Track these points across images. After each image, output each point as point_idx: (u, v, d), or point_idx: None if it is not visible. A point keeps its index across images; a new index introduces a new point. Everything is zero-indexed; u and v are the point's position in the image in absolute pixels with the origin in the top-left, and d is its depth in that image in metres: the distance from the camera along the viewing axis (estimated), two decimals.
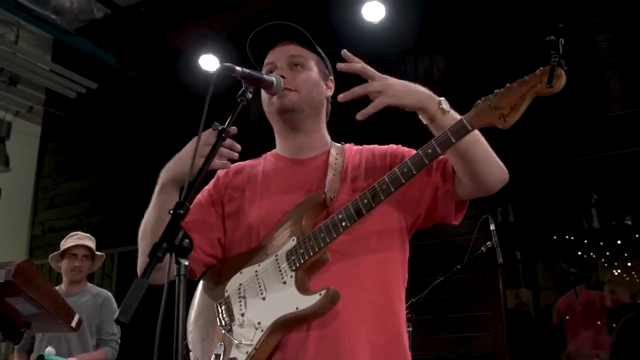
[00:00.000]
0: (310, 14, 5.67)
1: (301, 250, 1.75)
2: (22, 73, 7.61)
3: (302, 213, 1.83)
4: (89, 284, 4.79)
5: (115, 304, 4.65)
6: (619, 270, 10.87)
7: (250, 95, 1.69)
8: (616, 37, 5.21)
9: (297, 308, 1.70)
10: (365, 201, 1.71)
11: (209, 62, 6.33)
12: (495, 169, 1.82)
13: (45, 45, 7.99)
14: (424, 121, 1.79)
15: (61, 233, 4.72)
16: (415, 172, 1.67)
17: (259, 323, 1.73)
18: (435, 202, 1.88)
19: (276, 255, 1.81)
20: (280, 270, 1.78)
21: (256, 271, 1.83)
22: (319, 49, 2.09)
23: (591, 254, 10.55)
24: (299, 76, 1.98)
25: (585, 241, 10.33)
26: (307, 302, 1.69)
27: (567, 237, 10.30)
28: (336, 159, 1.97)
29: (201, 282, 1.98)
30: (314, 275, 1.78)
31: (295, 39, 2.04)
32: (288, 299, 1.72)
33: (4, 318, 2.74)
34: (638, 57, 5.08)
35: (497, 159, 1.83)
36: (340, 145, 2.08)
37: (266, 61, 2.04)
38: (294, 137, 2.04)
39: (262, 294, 1.79)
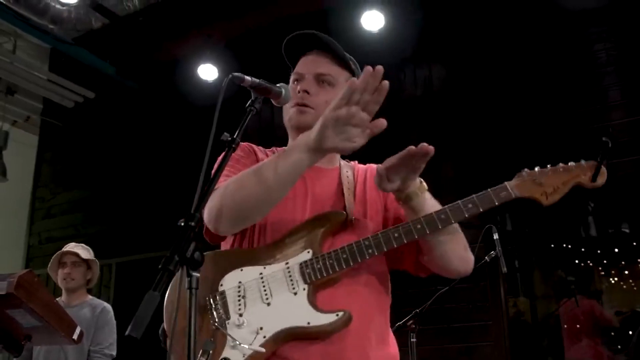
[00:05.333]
0: (310, 23, 5.65)
1: (318, 266, 1.75)
2: (19, 82, 7.59)
3: (320, 227, 1.83)
4: (90, 296, 4.64)
5: (111, 315, 4.49)
6: (615, 279, 10.89)
7: (259, 105, 1.68)
8: (614, 45, 5.23)
9: (308, 323, 1.70)
10: (397, 235, 1.76)
11: (207, 72, 6.32)
12: (465, 263, 1.91)
13: (42, 55, 7.97)
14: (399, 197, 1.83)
15: (58, 243, 4.68)
16: (453, 221, 1.75)
17: (261, 328, 1.71)
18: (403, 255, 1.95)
19: (287, 263, 1.80)
20: (291, 280, 1.77)
21: (261, 273, 1.80)
22: (355, 67, 2.08)
23: (588, 262, 10.56)
24: (322, 95, 1.97)
25: (583, 249, 10.35)
26: (321, 319, 1.70)
27: (564, 245, 10.32)
28: (347, 176, 1.99)
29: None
30: (321, 292, 1.78)
31: (331, 52, 2.03)
32: (298, 312, 1.72)
33: (4, 330, 2.72)
34: (636, 65, 5.10)
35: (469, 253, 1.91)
36: (347, 162, 2.10)
37: (296, 69, 2.05)
38: None
39: (267, 298, 1.76)
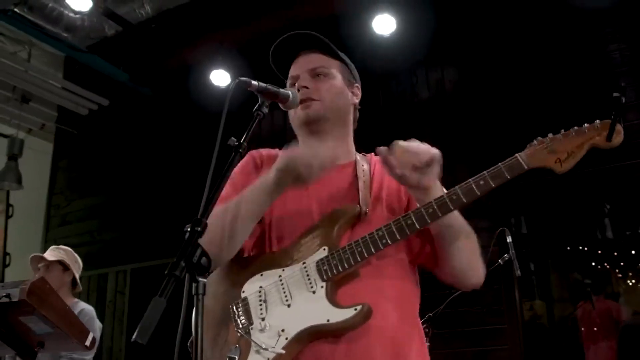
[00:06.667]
0: (322, 28, 5.66)
1: (334, 262, 1.74)
2: (34, 91, 7.64)
3: (334, 223, 1.83)
4: (75, 300, 4.42)
5: (89, 317, 4.19)
6: (633, 281, 10.79)
7: (266, 110, 1.69)
8: (629, 46, 5.18)
9: (328, 320, 1.69)
10: (409, 222, 1.73)
11: (220, 78, 6.34)
12: (479, 275, 1.91)
13: (57, 63, 8.02)
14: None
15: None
16: (465, 201, 1.70)
17: (283, 330, 1.71)
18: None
19: (304, 263, 1.79)
20: (309, 279, 1.76)
21: (280, 276, 1.80)
22: (343, 55, 2.10)
23: (605, 264, 10.48)
24: (322, 86, 1.99)
25: (599, 252, 10.26)
26: (340, 315, 1.68)
27: (580, 247, 10.24)
28: (363, 170, 1.97)
29: (211, 278, 1.91)
30: (342, 288, 1.77)
31: (317, 48, 2.05)
32: (318, 310, 1.71)
33: (17, 337, 2.74)
34: None
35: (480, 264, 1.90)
36: (364, 155, 2.09)
37: (290, 74, 2.05)
38: (320, 145, 2.02)
39: (287, 300, 1.76)
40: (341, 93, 2.04)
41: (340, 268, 1.74)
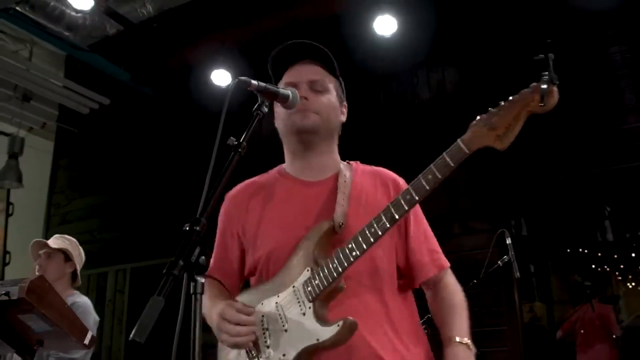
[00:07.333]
0: (323, 28, 5.68)
1: (316, 281, 1.76)
2: (35, 89, 7.64)
3: (313, 242, 1.83)
4: (75, 292, 4.20)
5: (81, 311, 3.81)
6: (633, 283, 10.80)
7: (266, 109, 1.69)
8: (630, 48, 5.18)
9: (317, 340, 1.71)
10: (372, 230, 1.72)
11: (221, 77, 6.34)
12: None
13: (58, 62, 8.02)
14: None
15: None
16: (418, 198, 1.68)
17: (284, 355, 1.75)
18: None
19: (294, 286, 1.82)
20: (299, 302, 1.79)
21: (276, 302, 1.84)
22: (338, 74, 2.10)
23: (605, 266, 10.49)
24: (321, 99, 1.99)
25: (599, 254, 10.28)
26: (327, 333, 1.71)
27: (580, 250, 10.25)
28: (345, 180, 1.97)
29: None
30: (332, 304, 1.79)
31: (319, 60, 2.04)
32: (309, 331, 1.74)
33: (16, 335, 2.73)
34: None
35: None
36: (348, 164, 2.09)
37: (287, 79, 2.04)
38: (306, 156, 2.04)
39: (283, 325, 1.79)
40: (335, 109, 2.05)
41: (321, 286, 1.75)
